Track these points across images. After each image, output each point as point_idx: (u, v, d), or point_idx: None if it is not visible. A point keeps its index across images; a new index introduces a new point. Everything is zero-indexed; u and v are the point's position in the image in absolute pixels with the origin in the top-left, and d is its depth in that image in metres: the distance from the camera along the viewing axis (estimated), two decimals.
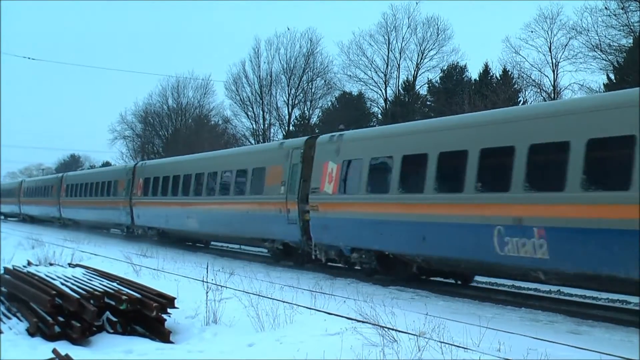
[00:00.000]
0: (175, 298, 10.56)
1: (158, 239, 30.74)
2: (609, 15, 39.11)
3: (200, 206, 25.92)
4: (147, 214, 31.48)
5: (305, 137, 21.04)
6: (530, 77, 45.91)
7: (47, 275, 12.03)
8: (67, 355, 8.12)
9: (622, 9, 38.35)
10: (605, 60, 40.76)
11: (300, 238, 19.75)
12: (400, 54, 54.07)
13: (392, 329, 9.52)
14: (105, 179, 37.60)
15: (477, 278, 17.62)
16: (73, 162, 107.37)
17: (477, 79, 49.60)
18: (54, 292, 10.18)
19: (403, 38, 53.87)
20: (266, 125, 60.36)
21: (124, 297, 10.16)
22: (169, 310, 10.34)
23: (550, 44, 45.40)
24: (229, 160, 25.31)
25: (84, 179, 42.06)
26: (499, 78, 46.99)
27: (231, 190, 23.63)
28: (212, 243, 30.60)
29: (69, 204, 43.58)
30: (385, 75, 54.62)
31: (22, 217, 57.83)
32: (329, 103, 59.32)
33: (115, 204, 34.66)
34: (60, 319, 9.86)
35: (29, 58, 49.72)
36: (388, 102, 54.80)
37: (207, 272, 13.07)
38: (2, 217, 62.15)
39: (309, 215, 19.07)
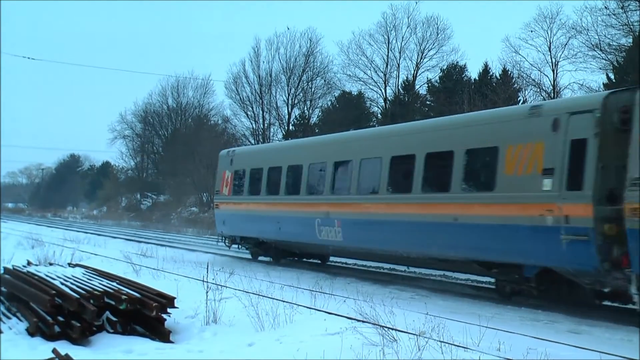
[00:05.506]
0: (175, 298, 10.57)
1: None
2: (609, 15, 39.12)
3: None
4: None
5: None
6: (530, 76, 45.86)
7: (47, 275, 12.03)
8: (67, 355, 8.13)
9: (621, 8, 38.35)
10: (605, 60, 40.75)
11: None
12: (400, 53, 54.11)
13: (392, 329, 9.52)
14: None
15: (471, 277, 16.50)
16: (73, 162, 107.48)
17: (477, 78, 49.55)
18: (54, 292, 10.18)
19: (403, 38, 53.90)
20: (266, 124, 60.43)
21: (123, 296, 10.16)
22: (168, 310, 10.35)
23: (550, 44, 45.35)
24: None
25: None
26: (499, 78, 46.94)
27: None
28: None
29: None
30: (385, 75, 54.62)
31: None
32: (329, 103, 59.29)
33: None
34: (60, 318, 9.86)
35: (29, 58, 49.72)
36: (388, 102, 54.78)
37: (207, 272, 13.07)
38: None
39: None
